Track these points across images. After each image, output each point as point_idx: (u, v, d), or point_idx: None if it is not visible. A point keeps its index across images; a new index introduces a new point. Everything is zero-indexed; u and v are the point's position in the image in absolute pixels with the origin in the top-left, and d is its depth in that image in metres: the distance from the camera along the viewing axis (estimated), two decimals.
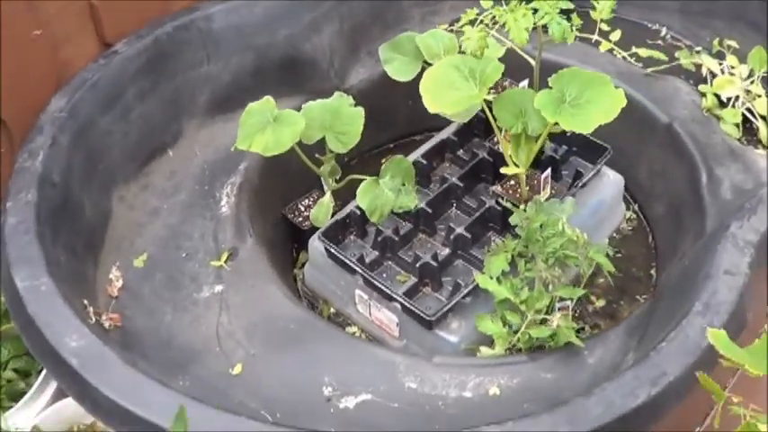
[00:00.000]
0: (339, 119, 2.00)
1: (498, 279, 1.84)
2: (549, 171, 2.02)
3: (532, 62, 2.04)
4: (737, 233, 1.70)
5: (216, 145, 2.18)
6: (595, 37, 2.15)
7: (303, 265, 2.19)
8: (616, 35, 2.21)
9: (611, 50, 2.22)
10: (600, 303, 2.11)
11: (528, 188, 2.02)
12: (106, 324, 1.80)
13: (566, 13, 1.91)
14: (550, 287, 1.84)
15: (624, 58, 2.21)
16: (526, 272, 1.86)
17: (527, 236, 1.83)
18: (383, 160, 2.44)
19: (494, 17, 1.95)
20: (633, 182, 2.25)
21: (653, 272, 2.18)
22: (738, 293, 1.61)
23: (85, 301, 1.79)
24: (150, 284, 1.93)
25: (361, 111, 2.01)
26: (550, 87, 1.84)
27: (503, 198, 2.00)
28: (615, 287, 2.11)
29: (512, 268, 1.86)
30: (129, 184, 2.08)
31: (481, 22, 1.98)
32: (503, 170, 1.95)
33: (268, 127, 1.92)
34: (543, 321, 1.80)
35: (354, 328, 2.08)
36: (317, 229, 2.10)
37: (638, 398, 1.47)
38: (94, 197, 1.98)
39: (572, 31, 1.95)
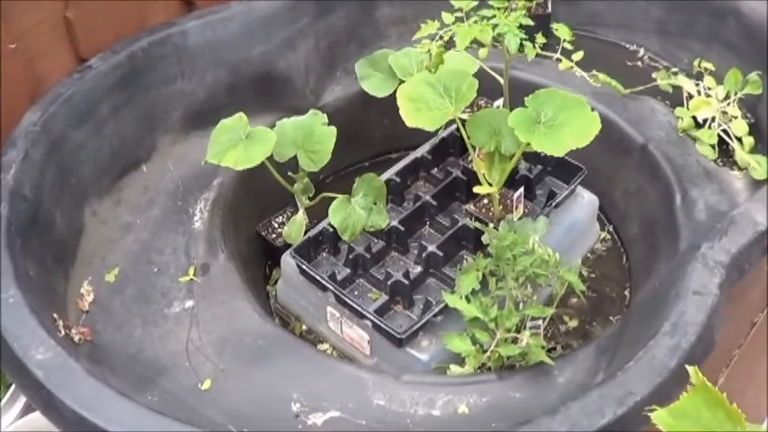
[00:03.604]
0: (311, 137, 2.00)
1: (468, 297, 1.84)
2: (521, 190, 2.02)
3: (501, 80, 2.04)
4: (708, 253, 1.69)
5: (190, 161, 2.17)
6: (557, 55, 2.15)
7: (276, 281, 2.18)
8: (578, 55, 2.21)
9: (569, 68, 2.22)
10: (573, 323, 2.11)
11: (501, 207, 2.02)
12: (76, 338, 1.79)
13: (530, 32, 1.92)
14: (521, 306, 1.84)
15: (583, 77, 2.22)
16: (497, 290, 1.86)
17: (497, 254, 1.83)
18: (357, 178, 2.44)
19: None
20: (608, 202, 2.25)
21: (627, 292, 2.18)
22: (707, 314, 1.60)
23: (55, 315, 1.78)
24: (121, 299, 1.93)
25: (333, 130, 2.01)
26: (526, 106, 1.85)
27: (473, 217, 2.00)
28: (588, 307, 2.10)
29: (483, 287, 1.86)
30: (101, 198, 2.07)
31: (441, 37, 1.98)
32: (476, 189, 1.94)
33: (240, 143, 1.92)
34: (513, 340, 1.79)
35: (326, 345, 2.07)
36: (291, 246, 2.10)
37: (604, 417, 1.46)
38: (66, 211, 1.97)
39: (534, 47, 1.96)
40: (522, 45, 1.89)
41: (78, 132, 2.02)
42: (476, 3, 2.03)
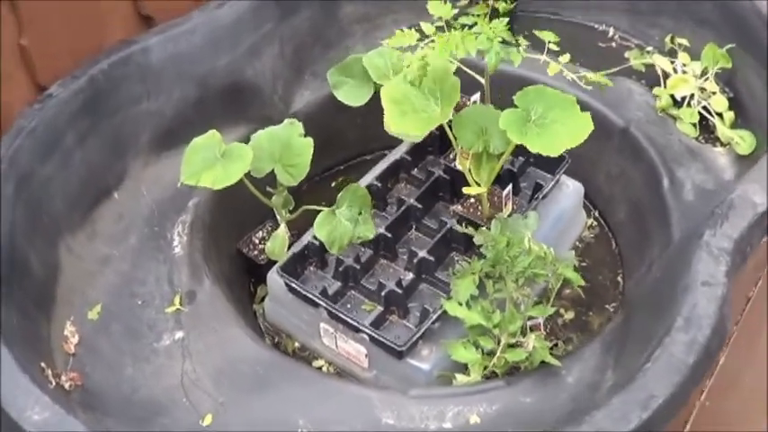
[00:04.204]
0: (288, 150, 1.93)
1: (467, 303, 1.80)
2: (510, 187, 1.97)
3: (481, 80, 1.99)
4: (711, 241, 1.66)
5: (162, 183, 2.09)
6: (544, 58, 2.10)
7: (262, 299, 2.12)
8: (565, 58, 2.17)
9: (560, 72, 2.17)
10: (569, 315, 2.07)
11: (489, 205, 1.97)
12: (66, 385, 1.72)
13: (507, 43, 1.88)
14: (522, 307, 1.80)
15: (573, 80, 2.18)
16: (495, 293, 1.81)
17: (495, 257, 1.78)
18: (333, 183, 2.39)
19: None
20: (592, 188, 2.21)
21: (620, 279, 2.15)
22: (718, 305, 1.57)
23: (43, 364, 1.70)
24: (107, 337, 1.85)
25: (310, 141, 1.93)
26: (515, 105, 1.79)
27: (463, 220, 1.95)
28: (583, 297, 2.06)
29: (480, 290, 1.81)
30: (75, 233, 1.98)
31: (422, 48, 1.92)
32: (465, 191, 1.89)
33: (216, 162, 1.84)
34: (518, 344, 1.75)
35: (321, 362, 2.01)
36: (274, 262, 2.03)
37: (630, 423, 1.43)
38: (41, 251, 1.88)
39: (519, 52, 1.91)
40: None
41: (45, 166, 1.93)
42: (456, 11, 1.97)
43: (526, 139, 1.74)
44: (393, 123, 1.79)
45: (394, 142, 2.21)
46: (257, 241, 2.14)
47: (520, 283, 1.78)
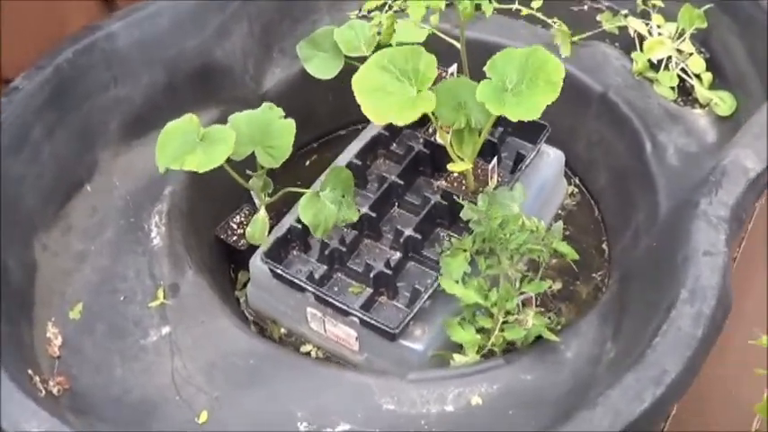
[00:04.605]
0: (268, 132, 1.87)
1: (462, 281, 1.76)
2: (495, 160, 1.93)
3: (457, 45, 1.94)
4: (708, 210, 1.63)
5: (135, 172, 2.02)
6: (516, 6, 2.06)
7: (244, 285, 2.06)
8: (537, 3, 2.13)
9: (530, 16, 2.13)
10: (557, 286, 2.04)
11: (474, 179, 1.93)
12: (54, 390, 1.66)
13: None
14: (517, 284, 1.77)
15: (546, 23, 2.14)
16: (487, 270, 1.78)
17: (489, 235, 1.74)
18: (308, 162, 2.33)
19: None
20: (571, 155, 2.18)
21: (604, 246, 2.13)
22: (721, 275, 1.55)
23: (30, 371, 1.64)
24: (91, 336, 1.79)
25: (291, 123, 1.88)
26: (488, 76, 1.75)
27: (448, 195, 1.91)
28: (569, 266, 2.02)
29: (471, 266, 1.78)
30: (49, 229, 1.91)
31: (390, 7, 1.87)
32: (450, 167, 1.85)
33: (197, 147, 1.78)
34: (517, 321, 1.73)
35: (309, 347, 1.97)
36: (255, 247, 1.98)
37: (645, 401, 1.41)
38: (16, 251, 1.81)
39: (490, 2, 1.86)
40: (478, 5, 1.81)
41: (16, 163, 1.85)
42: None
43: (505, 110, 1.70)
44: (372, 115, 1.73)
45: (366, 117, 2.16)
46: (235, 226, 2.09)
47: (515, 259, 1.75)
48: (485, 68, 1.75)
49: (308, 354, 1.96)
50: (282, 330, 2.00)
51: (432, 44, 1.89)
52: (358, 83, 1.77)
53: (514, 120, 1.70)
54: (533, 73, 1.73)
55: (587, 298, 2.04)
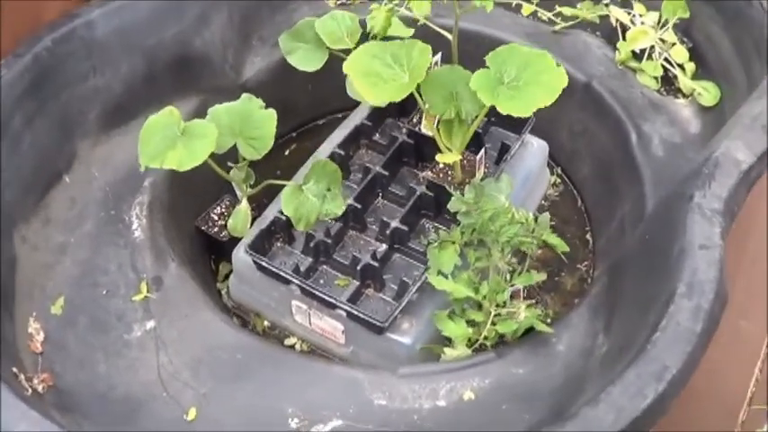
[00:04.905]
0: (249, 123, 1.84)
1: (452, 275, 1.75)
2: (483, 151, 1.91)
3: (448, 36, 1.91)
4: (702, 203, 1.62)
5: (114, 163, 1.97)
6: (516, 0, 2.04)
7: (225, 277, 2.03)
8: None
9: (534, 13, 2.11)
10: (541, 277, 2.03)
11: (461, 169, 1.92)
12: (39, 388, 1.61)
13: None
14: (508, 277, 1.76)
15: (550, 19, 2.12)
16: (476, 262, 1.76)
17: (480, 228, 1.72)
18: (287, 151, 2.30)
19: None
20: (554, 145, 2.16)
21: (588, 236, 2.12)
22: (718, 268, 1.54)
23: (15, 369, 1.60)
24: (74, 331, 1.74)
25: (272, 113, 1.85)
26: (487, 66, 1.73)
27: (434, 186, 1.89)
28: (553, 257, 2.02)
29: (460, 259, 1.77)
30: (28, 221, 1.86)
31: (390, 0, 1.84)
32: (439, 158, 1.83)
33: (178, 141, 1.74)
34: (509, 314, 1.71)
35: (293, 340, 1.94)
36: (236, 238, 1.95)
37: (647, 398, 1.40)
38: None
39: None
40: None
41: None
42: None
43: (498, 101, 1.69)
44: (367, 95, 1.71)
45: (345, 105, 2.15)
46: (216, 217, 2.05)
47: (506, 252, 1.74)
48: (485, 58, 1.74)
49: (293, 347, 1.93)
50: (266, 323, 1.97)
51: (417, 33, 1.87)
52: (352, 66, 1.75)
53: (504, 113, 1.69)
54: (534, 73, 1.72)
55: (572, 289, 2.04)
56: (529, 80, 1.71)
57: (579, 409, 1.40)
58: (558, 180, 2.22)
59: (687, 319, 1.48)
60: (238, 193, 1.99)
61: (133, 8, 2.02)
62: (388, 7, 1.76)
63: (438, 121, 1.85)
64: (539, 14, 2.24)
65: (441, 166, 1.94)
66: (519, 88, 1.70)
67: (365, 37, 1.88)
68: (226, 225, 2.01)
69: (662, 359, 1.44)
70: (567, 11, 2.06)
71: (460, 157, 1.86)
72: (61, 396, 1.63)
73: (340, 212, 1.86)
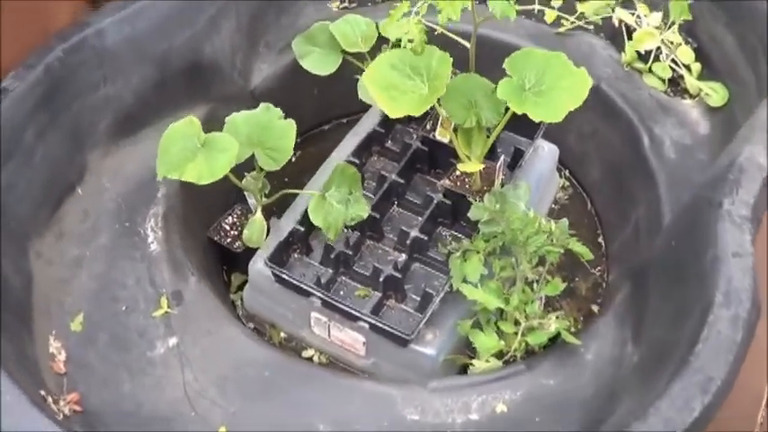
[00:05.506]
0: (269, 134, 1.81)
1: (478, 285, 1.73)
2: (502, 159, 1.89)
3: (466, 44, 1.89)
4: (732, 210, 1.62)
5: (125, 174, 1.93)
6: (537, 7, 2.02)
7: (238, 288, 2.00)
8: (558, 1, 2.09)
9: (536, 15, 2.10)
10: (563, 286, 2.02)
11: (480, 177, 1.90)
12: (66, 410, 1.57)
13: None
14: (535, 287, 1.75)
15: (573, 23, 2.12)
16: (501, 272, 1.75)
17: (510, 238, 1.71)
18: (293, 158, 2.25)
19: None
20: (562, 148, 2.15)
21: (600, 240, 2.12)
22: (752, 276, 1.54)
23: (42, 392, 1.55)
24: (95, 349, 1.71)
25: (292, 123, 1.82)
26: (504, 72, 1.71)
27: (452, 194, 1.87)
28: (566, 261, 2.01)
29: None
30: (42, 235, 1.81)
31: (417, 13, 1.82)
32: (461, 167, 1.82)
33: (198, 154, 1.71)
34: (539, 326, 1.70)
35: (311, 351, 1.92)
36: (250, 249, 1.92)
37: (695, 410, 1.40)
38: (12, 261, 1.72)
39: (512, 4, 1.82)
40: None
41: (8, 168, 1.75)
42: None
43: (527, 108, 1.67)
44: (387, 109, 1.68)
45: (350, 110, 2.15)
46: (228, 228, 2.01)
47: (534, 262, 1.73)
48: (504, 65, 1.71)
49: (311, 359, 1.91)
50: (282, 335, 1.95)
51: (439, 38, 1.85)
52: (372, 78, 1.72)
53: (536, 120, 1.67)
54: (555, 78, 1.71)
55: (587, 294, 2.04)
56: (552, 85, 1.69)
57: (629, 424, 1.40)
58: (567, 183, 2.22)
59: (727, 328, 1.48)
60: (252, 202, 1.96)
61: (143, 16, 1.97)
62: (416, 20, 1.73)
63: (455, 129, 1.84)
64: (541, 15, 2.22)
65: (458, 173, 1.92)
66: (543, 93, 1.69)
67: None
68: (239, 235, 1.98)
69: (706, 370, 1.44)
70: (581, 7, 2.05)
71: (483, 165, 1.84)
72: (88, 418, 1.60)
73: (365, 215, 1.84)
